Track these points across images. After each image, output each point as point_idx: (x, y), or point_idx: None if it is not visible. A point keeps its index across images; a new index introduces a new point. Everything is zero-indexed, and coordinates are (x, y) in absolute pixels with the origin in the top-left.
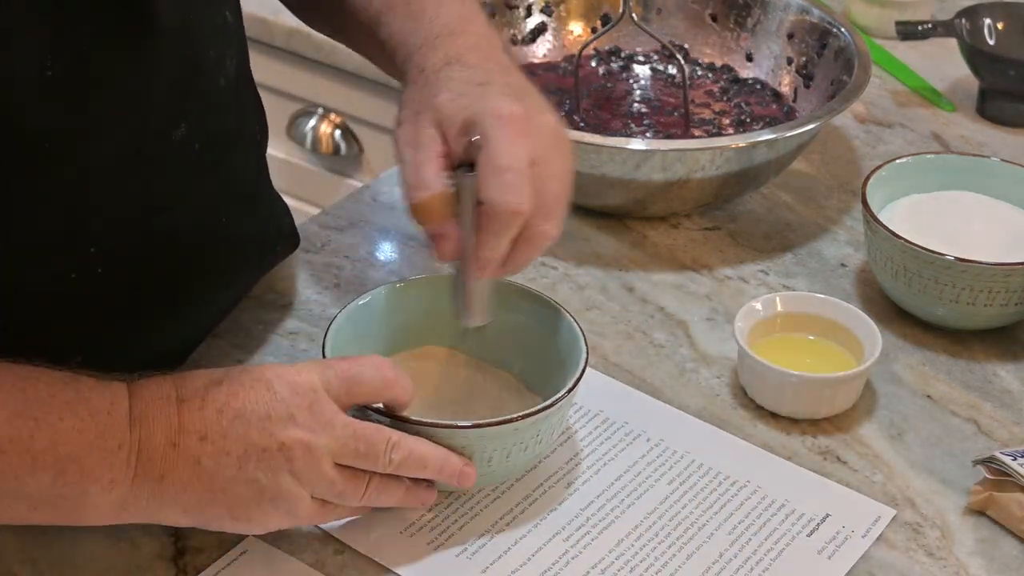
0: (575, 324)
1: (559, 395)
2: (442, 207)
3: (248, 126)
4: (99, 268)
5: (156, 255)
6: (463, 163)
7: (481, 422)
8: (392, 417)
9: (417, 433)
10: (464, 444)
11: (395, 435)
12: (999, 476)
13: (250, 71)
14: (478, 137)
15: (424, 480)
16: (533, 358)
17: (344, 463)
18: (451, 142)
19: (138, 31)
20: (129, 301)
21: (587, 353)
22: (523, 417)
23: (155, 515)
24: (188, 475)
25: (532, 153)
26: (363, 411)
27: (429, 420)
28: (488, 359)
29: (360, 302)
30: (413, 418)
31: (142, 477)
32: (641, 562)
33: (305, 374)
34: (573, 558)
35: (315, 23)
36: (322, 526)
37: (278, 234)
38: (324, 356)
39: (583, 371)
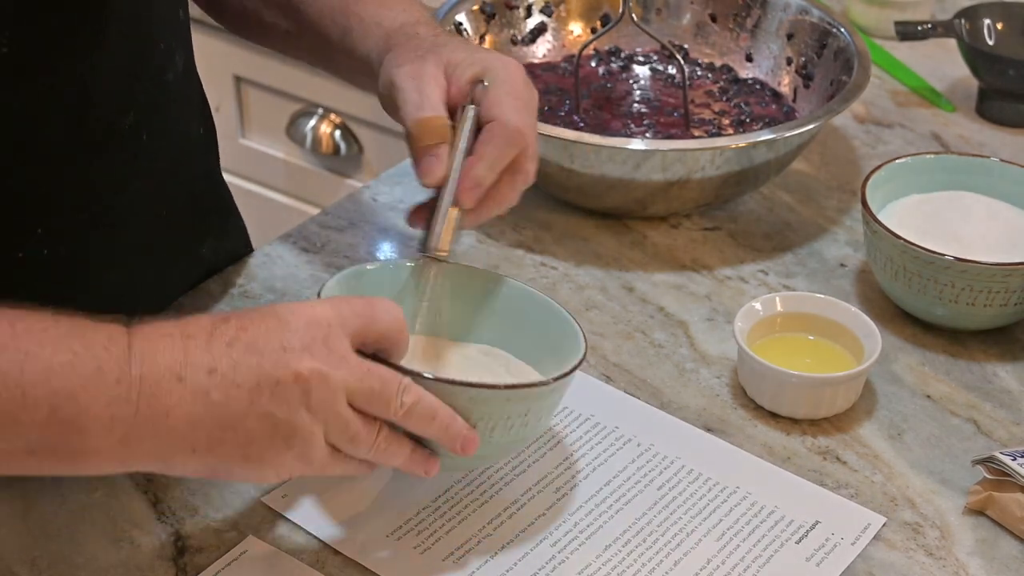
0: (568, 315)
1: (561, 373)
2: (441, 128)
3: (194, 125)
4: (45, 250)
5: (101, 240)
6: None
7: (477, 383)
8: (393, 367)
9: None
10: (457, 406)
11: (406, 379)
12: (999, 476)
13: (196, 72)
14: (486, 84)
15: (425, 449)
16: (526, 350)
17: (357, 403)
18: (453, 86)
19: (90, 14)
20: (74, 283)
21: (586, 341)
22: (519, 387)
23: (162, 459)
24: (197, 410)
25: (528, 100)
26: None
27: (432, 374)
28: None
29: (368, 267)
30: (414, 369)
31: (145, 414)
32: (628, 568)
33: (319, 308)
34: (560, 563)
35: (268, 36)
36: (310, 529)
37: (221, 238)
38: None
39: (584, 355)
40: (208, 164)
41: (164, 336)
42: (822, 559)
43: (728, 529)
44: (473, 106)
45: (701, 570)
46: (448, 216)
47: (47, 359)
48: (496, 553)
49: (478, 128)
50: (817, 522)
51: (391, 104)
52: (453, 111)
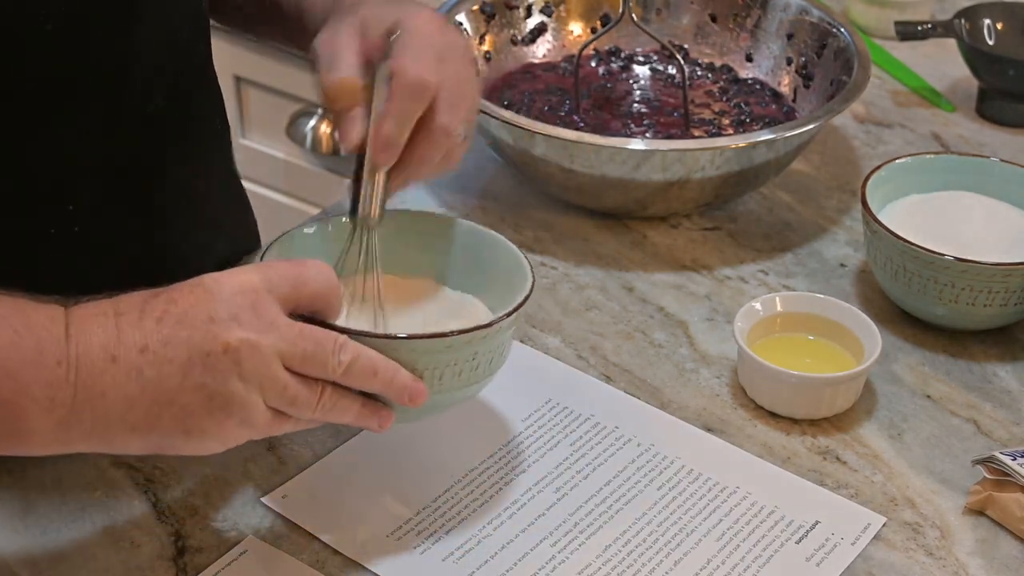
0: (519, 252)
1: (502, 314)
2: (354, 89)
3: (210, 114)
4: (76, 227)
5: (128, 221)
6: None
7: (415, 334)
8: (330, 327)
9: None
10: (400, 359)
11: (342, 337)
12: (999, 476)
13: (213, 65)
14: (397, 34)
15: (377, 402)
16: (485, 286)
17: (293, 366)
18: (370, 45)
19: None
20: (99, 262)
21: (532, 280)
22: (458, 333)
23: (103, 440)
24: (132, 389)
25: (441, 49)
26: (301, 319)
27: (361, 329)
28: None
29: (305, 230)
30: (344, 326)
31: (83, 396)
32: (628, 568)
33: (247, 274)
34: (561, 563)
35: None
36: (310, 529)
37: (235, 231)
38: None
39: (527, 297)
40: (226, 157)
41: (98, 315)
42: (822, 559)
43: (728, 529)
44: (386, 63)
45: (701, 570)
46: (376, 181)
47: None
48: (496, 553)
49: None
50: (817, 522)
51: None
52: (370, 68)
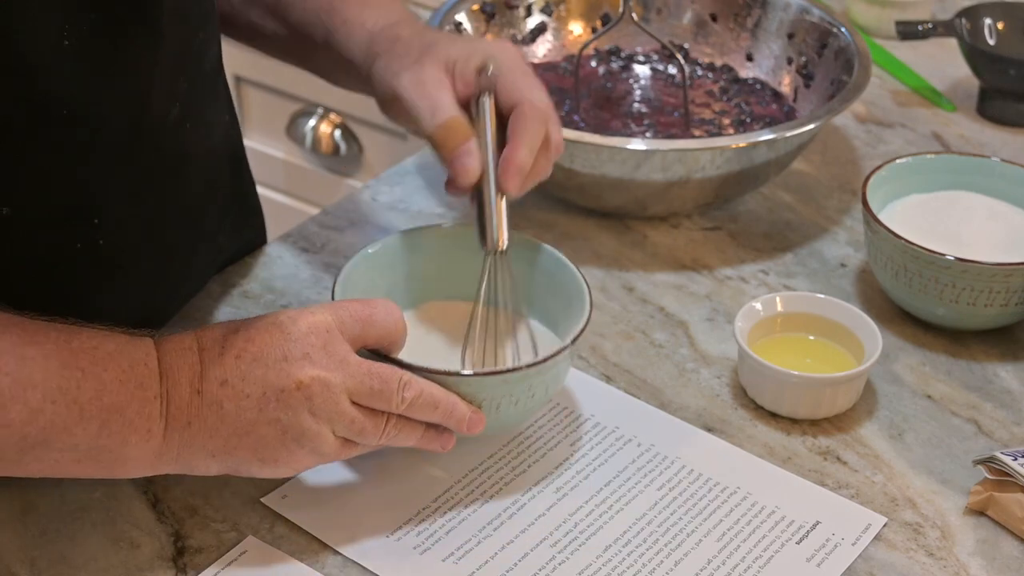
0: (580, 277)
1: (555, 351)
2: (462, 127)
3: (222, 115)
4: (101, 240)
5: (148, 230)
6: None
7: (476, 371)
8: (396, 362)
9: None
10: (460, 392)
11: (407, 375)
12: (999, 476)
13: (223, 65)
14: (492, 69)
15: (439, 427)
16: (544, 306)
17: (360, 401)
18: (459, 81)
19: (145, 9)
20: (120, 272)
21: (590, 311)
22: (512, 371)
23: (187, 464)
24: (212, 420)
25: (533, 75)
26: (370, 355)
27: (422, 366)
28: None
29: (369, 251)
30: (408, 362)
31: (172, 426)
32: (628, 568)
33: (319, 314)
34: (560, 563)
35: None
36: (310, 529)
37: (240, 226)
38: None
39: (582, 330)
40: (234, 147)
41: (183, 350)
42: (823, 559)
43: (728, 529)
44: (488, 96)
45: (701, 570)
46: (498, 208)
47: (99, 376)
48: (496, 554)
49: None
50: (818, 522)
51: (400, 113)
52: (464, 106)
